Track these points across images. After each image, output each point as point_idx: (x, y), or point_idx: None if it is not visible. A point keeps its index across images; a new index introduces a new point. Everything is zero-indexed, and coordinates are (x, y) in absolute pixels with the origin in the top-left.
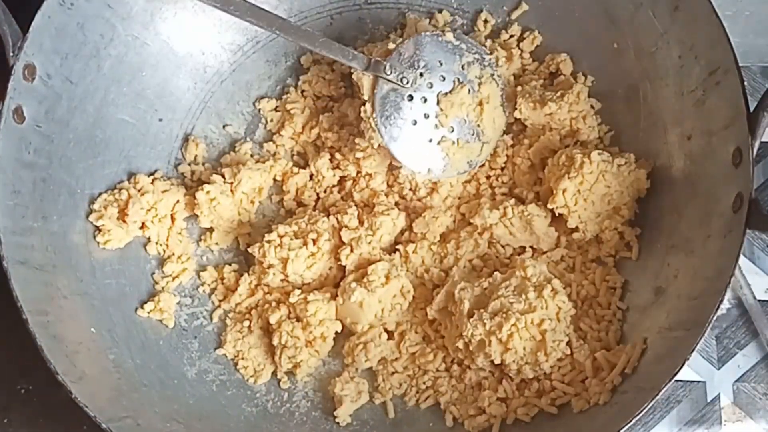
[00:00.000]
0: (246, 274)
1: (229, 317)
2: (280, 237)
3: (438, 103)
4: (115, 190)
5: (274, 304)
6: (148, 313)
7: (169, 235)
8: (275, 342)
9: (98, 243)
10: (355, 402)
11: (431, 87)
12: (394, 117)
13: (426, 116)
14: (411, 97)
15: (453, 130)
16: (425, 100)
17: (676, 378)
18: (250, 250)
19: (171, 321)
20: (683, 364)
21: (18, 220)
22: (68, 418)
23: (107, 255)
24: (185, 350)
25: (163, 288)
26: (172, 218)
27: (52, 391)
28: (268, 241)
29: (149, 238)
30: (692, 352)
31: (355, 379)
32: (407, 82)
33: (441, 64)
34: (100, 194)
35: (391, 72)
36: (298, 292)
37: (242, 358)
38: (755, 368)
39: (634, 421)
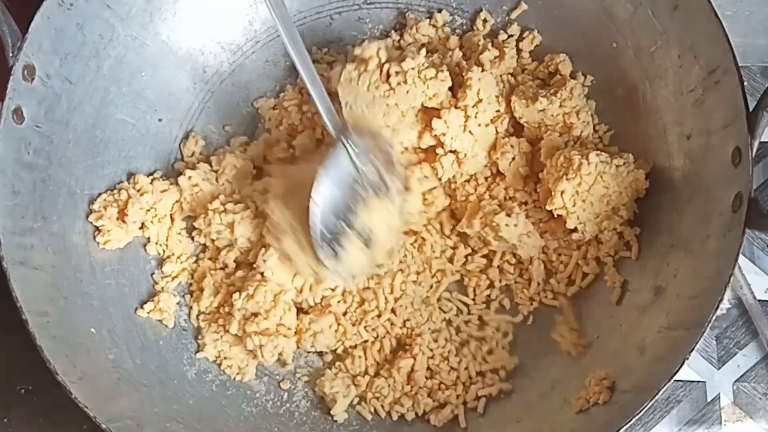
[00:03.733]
0: (209, 276)
1: (201, 320)
2: (223, 204)
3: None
4: (115, 191)
5: (226, 310)
6: (148, 313)
7: (169, 235)
8: (249, 347)
9: (98, 243)
10: (347, 396)
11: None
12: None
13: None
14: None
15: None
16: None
17: (676, 378)
18: (195, 224)
19: (171, 321)
20: (682, 364)
21: (18, 220)
22: (68, 418)
23: (107, 255)
24: (185, 350)
25: (162, 288)
26: (172, 218)
27: (52, 391)
28: (213, 210)
29: (149, 238)
30: (692, 351)
31: (339, 375)
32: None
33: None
34: (99, 194)
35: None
36: (236, 295)
37: (225, 358)
38: (755, 368)
39: (633, 420)
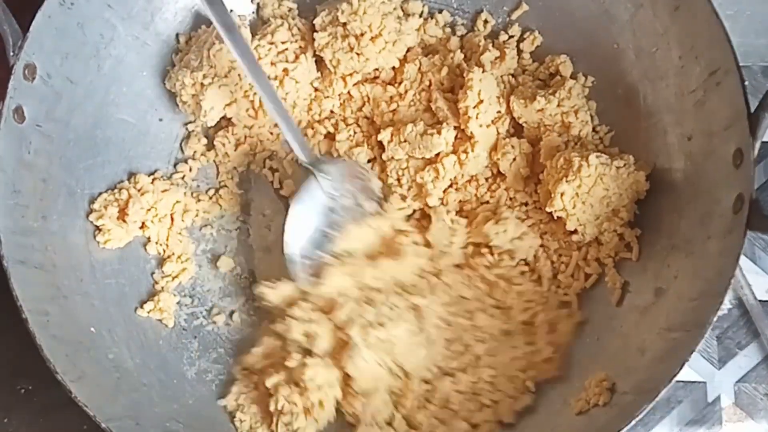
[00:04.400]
0: (266, 337)
1: (238, 371)
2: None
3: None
4: (115, 190)
5: (273, 367)
6: (148, 312)
7: (169, 234)
8: (272, 408)
9: (98, 243)
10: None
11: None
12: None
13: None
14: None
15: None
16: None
17: (677, 378)
18: (273, 327)
19: (171, 321)
20: (683, 366)
21: (18, 219)
22: (68, 418)
23: (107, 255)
24: (185, 350)
25: (162, 288)
26: (172, 218)
27: (52, 391)
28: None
29: (149, 238)
30: (692, 353)
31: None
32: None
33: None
34: (100, 194)
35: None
36: (297, 356)
37: (241, 412)
38: (756, 369)
39: (634, 422)
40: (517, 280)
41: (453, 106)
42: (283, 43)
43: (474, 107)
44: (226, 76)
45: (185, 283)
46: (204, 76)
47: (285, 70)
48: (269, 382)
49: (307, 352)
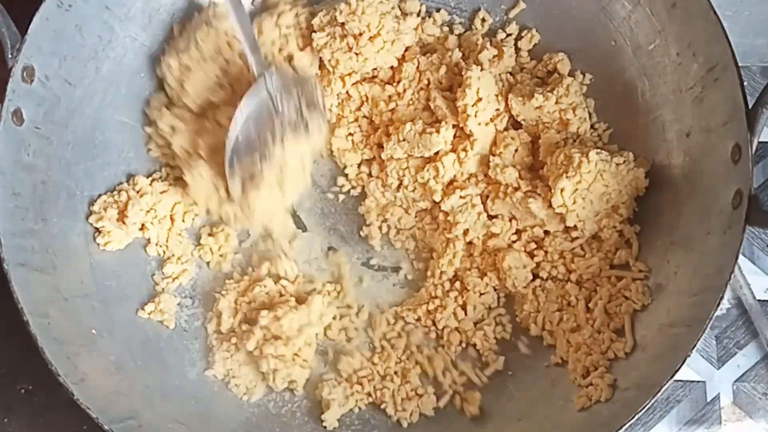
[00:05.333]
0: (221, 295)
1: (214, 338)
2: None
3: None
4: (115, 192)
5: (245, 328)
6: (149, 314)
7: (169, 236)
8: (264, 369)
9: (98, 245)
10: (342, 406)
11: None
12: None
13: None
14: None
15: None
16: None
17: (676, 378)
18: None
19: (171, 322)
20: (684, 361)
21: (18, 222)
22: (68, 418)
23: (107, 256)
24: (186, 351)
25: (163, 289)
26: (172, 219)
27: (53, 392)
28: None
29: (149, 240)
30: (693, 348)
31: (342, 384)
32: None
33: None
34: (99, 196)
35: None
36: (264, 312)
37: (233, 377)
38: (755, 368)
39: (635, 418)
40: None
41: (451, 104)
42: (287, 27)
43: (473, 105)
44: (211, 60)
45: (185, 285)
46: (189, 58)
47: (290, 56)
48: (250, 346)
49: (275, 305)
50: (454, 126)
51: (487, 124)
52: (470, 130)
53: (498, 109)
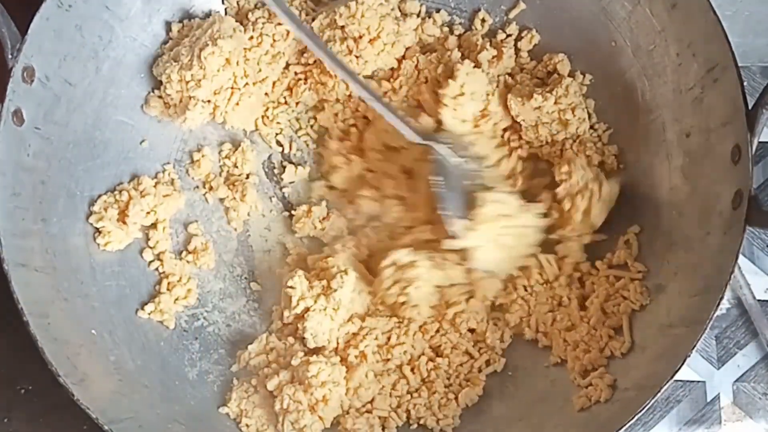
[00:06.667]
0: (264, 336)
1: (239, 376)
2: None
3: None
4: (115, 192)
5: (273, 368)
6: (149, 314)
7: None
8: (277, 407)
9: (98, 245)
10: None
11: None
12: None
13: None
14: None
15: None
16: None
17: (676, 378)
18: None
19: (171, 322)
20: (684, 361)
21: (18, 222)
22: (68, 418)
23: (107, 257)
24: (186, 351)
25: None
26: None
27: (53, 392)
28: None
29: (149, 240)
30: (693, 349)
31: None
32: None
33: None
34: (99, 196)
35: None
36: (300, 354)
37: (246, 417)
38: (755, 368)
39: (635, 418)
40: None
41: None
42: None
43: (453, 98)
44: (213, 79)
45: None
46: (192, 77)
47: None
48: (270, 385)
49: (311, 351)
50: (436, 121)
51: (464, 121)
52: (443, 122)
53: (484, 111)
